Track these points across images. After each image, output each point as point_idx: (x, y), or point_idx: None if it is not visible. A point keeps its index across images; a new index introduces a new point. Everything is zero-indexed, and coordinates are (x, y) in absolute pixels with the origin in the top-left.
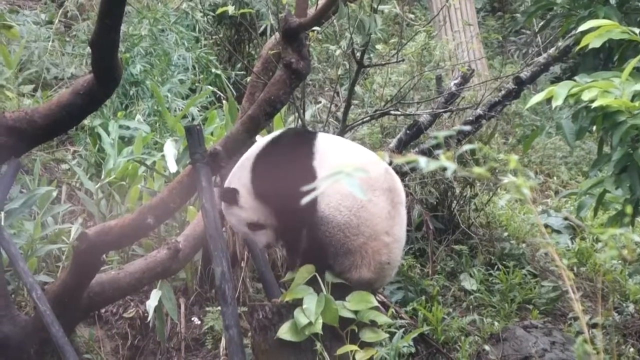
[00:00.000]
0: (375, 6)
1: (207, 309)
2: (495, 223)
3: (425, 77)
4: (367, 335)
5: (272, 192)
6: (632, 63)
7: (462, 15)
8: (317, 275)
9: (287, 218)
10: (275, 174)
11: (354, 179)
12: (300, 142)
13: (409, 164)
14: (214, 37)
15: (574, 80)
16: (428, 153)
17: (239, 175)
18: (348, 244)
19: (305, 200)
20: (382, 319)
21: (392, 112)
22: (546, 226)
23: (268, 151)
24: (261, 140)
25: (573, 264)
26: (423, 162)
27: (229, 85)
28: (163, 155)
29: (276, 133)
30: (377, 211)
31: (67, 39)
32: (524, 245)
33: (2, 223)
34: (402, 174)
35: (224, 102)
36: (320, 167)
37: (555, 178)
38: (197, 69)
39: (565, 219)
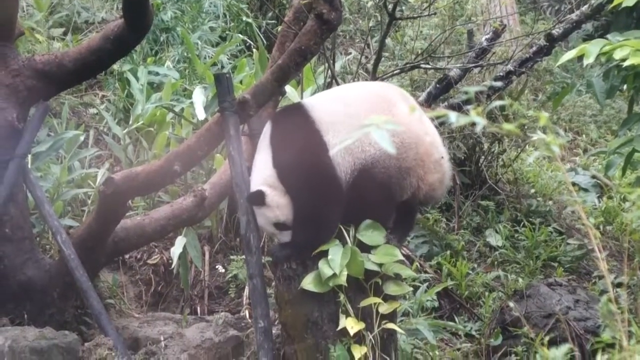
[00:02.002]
0: None
1: (232, 257)
2: (522, 179)
3: (456, 31)
4: (391, 288)
5: (301, 176)
6: None
7: None
8: (342, 228)
9: (324, 191)
10: (295, 160)
11: (382, 131)
12: (296, 119)
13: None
14: None
15: (606, 39)
16: (457, 108)
17: (261, 176)
18: (404, 164)
19: (334, 150)
20: (407, 272)
21: (423, 65)
22: (573, 184)
23: (277, 144)
24: (264, 138)
25: (600, 223)
26: (453, 116)
27: (259, 34)
28: (191, 103)
29: (270, 123)
30: (408, 120)
31: None
32: (550, 202)
33: (29, 166)
34: None
35: (254, 50)
36: (326, 130)
37: (584, 136)
38: (227, 16)
39: (593, 177)
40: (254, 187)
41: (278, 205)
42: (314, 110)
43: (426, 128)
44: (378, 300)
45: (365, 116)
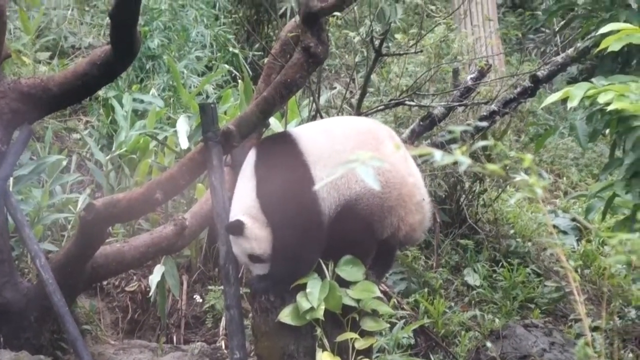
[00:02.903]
0: None
1: (210, 287)
2: (502, 220)
3: (442, 70)
4: (368, 324)
5: (285, 209)
6: None
7: (482, 9)
8: (321, 262)
9: (307, 225)
10: (280, 191)
11: (367, 168)
12: (283, 149)
13: (422, 156)
14: (233, 15)
15: (591, 82)
16: (441, 146)
17: (243, 205)
18: (387, 203)
19: (318, 186)
20: (384, 308)
21: (407, 102)
22: (553, 226)
23: (262, 174)
24: (247, 167)
25: (578, 266)
26: (438, 155)
27: (245, 65)
28: (175, 131)
29: (255, 151)
30: (394, 160)
31: (87, 9)
32: (529, 244)
33: (11, 189)
34: None
35: (239, 81)
36: (314, 163)
37: (565, 179)
38: (214, 46)
39: (573, 220)
40: (233, 216)
41: (256, 237)
42: (302, 142)
43: (410, 169)
44: (355, 335)
45: (352, 152)
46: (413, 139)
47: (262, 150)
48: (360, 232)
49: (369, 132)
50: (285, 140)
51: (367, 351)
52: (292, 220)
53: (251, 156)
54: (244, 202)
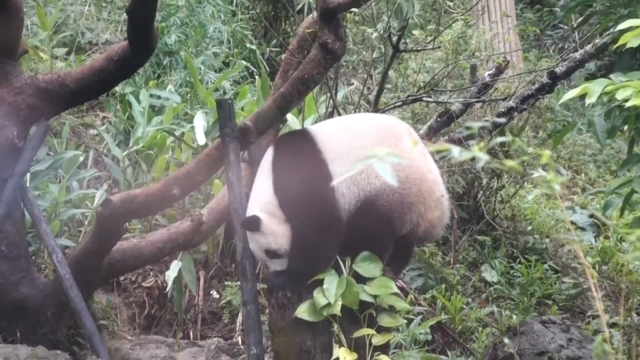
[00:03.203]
0: None
1: (226, 283)
2: (520, 216)
3: (459, 66)
4: (384, 320)
5: (303, 205)
6: None
7: (500, 6)
8: (338, 258)
9: (325, 222)
10: (298, 188)
11: (385, 164)
12: (301, 146)
13: (439, 152)
14: (250, 11)
15: (609, 79)
16: (458, 142)
17: (260, 201)
18: (406, 199)
19: (336, 182)
20: (401, 304)
21: (425, 98)
22: (571, 222)
23: (280, 170)
24: (265, 164)
25: (596, 262)
26: (456, 151)
27: (262, 61)
28: (192, 127)
29: (273, 148)
30: (414, 155)
31: (104, 4)
32: (547, 240)
33: (28, 184)
34: None
35: (256, 77)
36: (333, 160)
37: (583, 175)
38: (231, 42)
39: (591, 216)
40: (250, 212)
41: (272, 232)
42: (320, 139)
43: (429, 165)
44: (372, 331)
45: (371, 148)
46: (430, 135)
47: (280, 147)
48: (379, 228)
49: (387, 129)
50: (304, 137)
51: (384, 347)
52: (310, 216)
53: (269, 153)
54: (262, 198)
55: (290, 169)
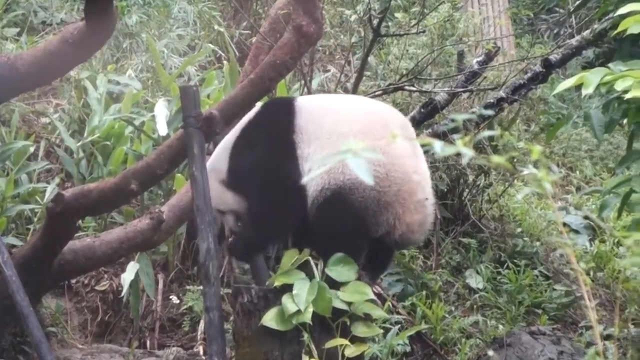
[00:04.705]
0: None
1: (188, 287)
2: (508, 217)
3: (445, 52)
4: (359, 330)
5: (255, 177)
6: None
7: None
8: (310, 260)
9: (277, 197)
10: (252, 160)
11: (359, 159)
12: (279, 117)
13: (422, 146)
14: None
15: (608, 68)
16: (442, 135)
17: (215, 158)
18: (384, 198)
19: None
20: (377, 312)
21: (407, 87)
22: (564, 225)
23: (245, 135)
24: (241, 123)
25: (590, 268)
26: (438, 146)
27: (231, 44)
28: (153, 116)
29: (255, 110)
30: (400, 152)
31: None
32: (538, 243)
33: None
34: None
35: (224, 62)
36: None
37: (578, 173)
38: (198, 24)
39: (586, 218)
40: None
41: (217, 193)
42: (303, 116)
43: (418, 166)
44: (345, 341)
45: (355, 137)
46: (413, 128)
47: (260, 112)
48: (351, 225)
49: (379, 119)
50: (287, 109)
51: (359, 359)
52: (259, 191)
53: (251, 113)
54: (218, 155)
55: (255, 137)
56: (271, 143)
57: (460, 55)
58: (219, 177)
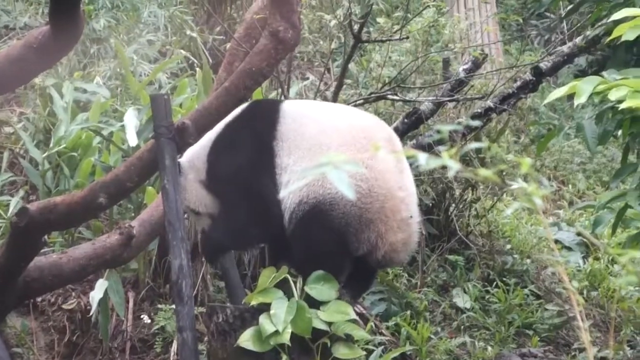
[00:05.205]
0: None
1: (159, 306)
2: (497, 233)
3: (430, 59)
4: (340, 351)
5: (230, 181)
6: None
7: None
8: (288, 278)
9: (250, 205)
10: (227, 163)
11: (341, 173)
12: (263, 121)
13: (407, 159)
14: None
15: (601, 76)
16: (427, 147)
17: (194, 153)
18: (366, 215)
19: (284, 192)
20: (359, 333)
21: (390, 96)
22: (556, 241)
23: (225, 135)
24: (224, 120)
25: (583, 287)
26: (422, 158)
27: (204, 50)
28: (122, 126)
29: (241, 108)
30: (384, 167)
31: None
32: (528, 261)
33: None
34: None
35: (197, 69)
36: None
37: (570, 186)
38: (169, 29)
39: (579, 234)
40: (183, 157)
41: (191, 191)
42: (287, 123)
43: (403, 182)
44: None
45: (336, 150)
46: None
47: (246, 111)
48: (331, 243)
49: (363, 131)
50: (272, 113)
51: None
52: (232, 197)
53: (235, 111)
54: (197, 152)
55: (236, 140)
56: (252, 149)
57: (446, 62)
58: (198, 177)
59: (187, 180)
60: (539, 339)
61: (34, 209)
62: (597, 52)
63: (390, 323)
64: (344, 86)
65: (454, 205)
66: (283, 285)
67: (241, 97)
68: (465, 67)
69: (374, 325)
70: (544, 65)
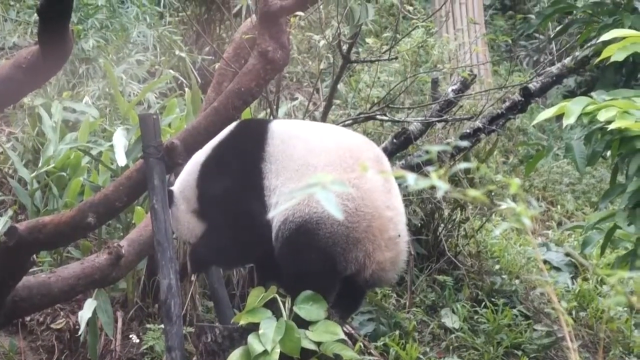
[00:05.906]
0: None
1: (148, 326)
2: (486, 253)
3: (419, 80)
4: None
5: (219, 205)
6: None
7: (467, 11)
8: (277, 298)
9: (237, 226)
10: (220, 187)
11: (328, 193)
12: (250, 143)
13: (395, 179)
14: (180, 14)
15: (590, 97)
16: (416, 167)
17: (184, 182)
18: (353, 234)
19: (272, 214)
20: (348, 353)
21: (379, 116)
22: (545, 262)
23: (218, 156)
24: (212, 142)
25: (572, 308)
26: (411, 179)
27: (193, 70)
28: (111, 146)
29: (229, 129)
30: (371, 186)
31: (12, 3)
32: (517, 281)
33: None
34: None
35: (186, 89)
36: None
37: (559, 207)
38: (158, 49)
39: (567, 255)
40: (175, 185)
41: (178, 219)
42: (274, 144)
43: (391, 201)
44: None
45: (322, 170)
46: None
47: (234, 133)
48: (319, 263)
49: (351, 150)
50: (261, 134)
51: None
52: (224, 220)
53: (223, 132)
54: (186, 179)
55: (224, 162)
56: (240, 171)
57: (435, 83)
58: (190, 207)
59: (179, 212)
60: (527, 359)
61: (22, 228)
62: (586, 72)
63: (379, 343)
64: (333, 106)
65: (442, 225)
66: (272, 305)
67: (230, 117)
68: (454, 87)
69: (362, 346)
70: (533, 86)
